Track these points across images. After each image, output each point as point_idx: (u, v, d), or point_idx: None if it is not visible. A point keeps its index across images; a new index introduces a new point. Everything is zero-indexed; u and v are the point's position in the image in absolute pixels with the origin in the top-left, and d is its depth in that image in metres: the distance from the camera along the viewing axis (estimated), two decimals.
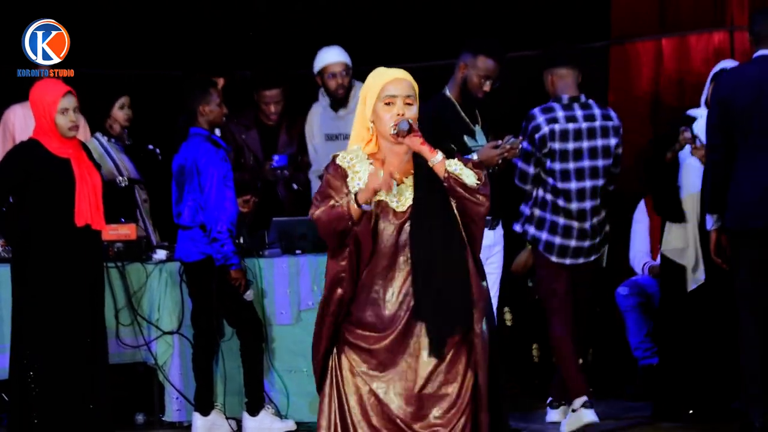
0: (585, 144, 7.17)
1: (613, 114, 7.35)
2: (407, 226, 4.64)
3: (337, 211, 4.63)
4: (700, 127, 7.21)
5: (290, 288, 7.52)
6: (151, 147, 8.19)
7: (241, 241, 7.50)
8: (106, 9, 8.88)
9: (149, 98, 8.57)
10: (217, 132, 7.46)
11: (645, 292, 8.12)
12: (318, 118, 8.39)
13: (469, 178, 4.60)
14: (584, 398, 7.04)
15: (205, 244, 7.18)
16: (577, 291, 7.33)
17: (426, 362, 4.61)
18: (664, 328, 7.54)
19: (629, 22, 8.70)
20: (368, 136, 4.73)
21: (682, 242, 7.36)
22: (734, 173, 6.72)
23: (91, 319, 6.69)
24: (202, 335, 7.33)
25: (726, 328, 7.12)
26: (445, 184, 4.59)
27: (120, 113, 7.97)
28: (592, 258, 7.32)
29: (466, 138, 6.67)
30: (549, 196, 7.22)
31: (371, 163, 4.69)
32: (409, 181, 4.67)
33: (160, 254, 7.63)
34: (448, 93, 6.78)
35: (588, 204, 7.19)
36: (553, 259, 7.22)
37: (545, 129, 7.15)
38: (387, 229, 4.66)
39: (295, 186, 8.41)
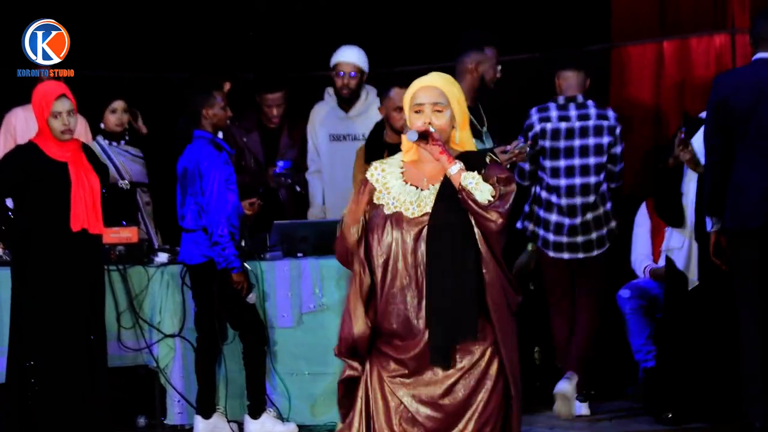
0: (577, 142, 7.42)
1: (611, 114, 7.48)
2: (425, 233, 4.60)
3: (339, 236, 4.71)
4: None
5: (291, 291, 7.51)
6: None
7: (243, 244, 7.50)
8: (107, 10, 8.87)
9: (149, 100, 8.56)
10: (220, 135, 7.45)
11: (646, 295, 8.12)
12: (322, 117, 8.39)
13: (482, 194, 4.54)
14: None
15: (208, 247, 7.18)
16: (582, 286, 7.48)
17: (451, 372, 4.60)
18: (667, 327, 7.54)
19: (629, 25, 8.70)
20: (409, 143, 4.73)
21: (678, 242, 7.39)
22: (733, 174, 6.73)
23: (89, 322, 6.69)
24: (205, 338, 7.33)
25: (728, 329, 7.13)
26: (459, 197, 4.58)
27: (111, 117, 7.90)
28: (594, 253, 7.47)
29: (473, 140, 6.71)
30: (544, 193, 7.51)
31: (402, 172, 4.69)
32: (434, 189, 4.65)
33: (162, 257, 7.63)
34: None
35: (578, 200, 7.42)
36: (551, 254, 7.42)
37: (537, 127, 7.49)
38: (404, 236, 4.62)
39: (297, 188, 8.40)
